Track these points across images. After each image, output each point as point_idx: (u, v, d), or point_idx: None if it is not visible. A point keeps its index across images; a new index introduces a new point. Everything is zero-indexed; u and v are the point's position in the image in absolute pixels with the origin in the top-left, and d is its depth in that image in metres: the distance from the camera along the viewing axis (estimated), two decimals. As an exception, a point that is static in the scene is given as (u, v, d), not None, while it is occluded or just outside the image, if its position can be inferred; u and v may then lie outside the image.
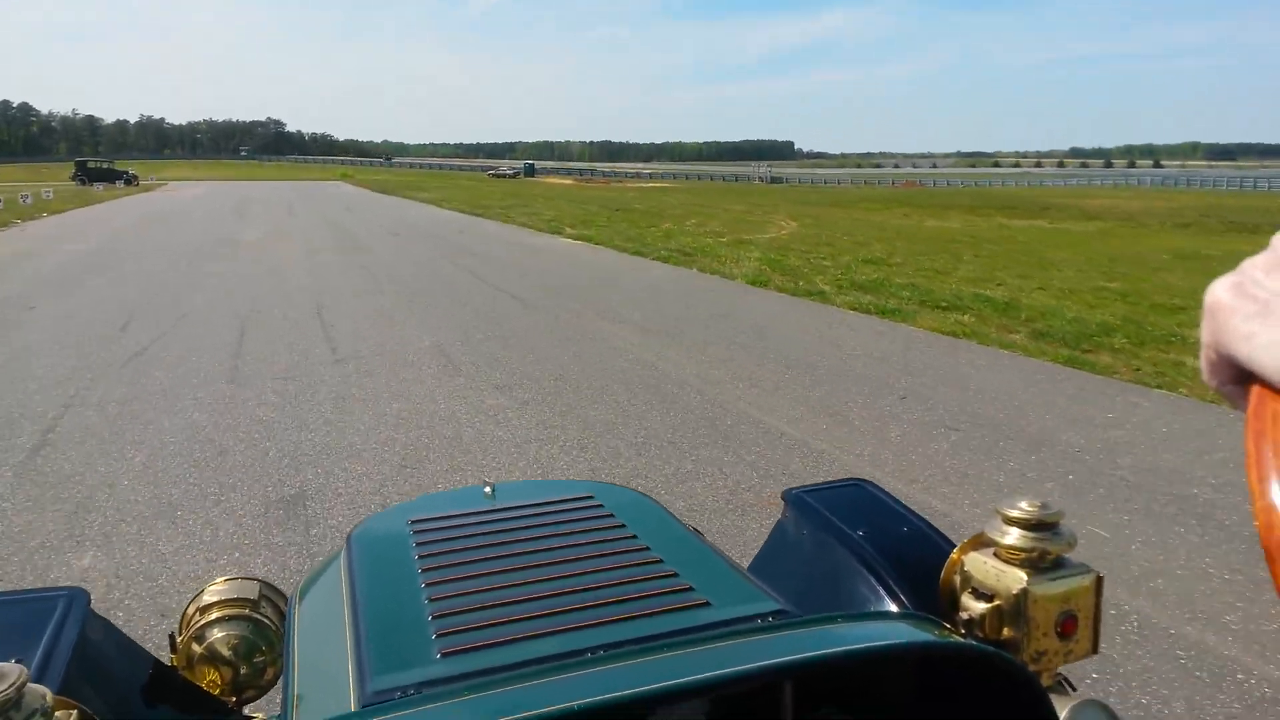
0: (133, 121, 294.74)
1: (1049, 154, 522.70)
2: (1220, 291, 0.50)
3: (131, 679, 1.29)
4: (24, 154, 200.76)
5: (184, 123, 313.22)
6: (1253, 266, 0.50)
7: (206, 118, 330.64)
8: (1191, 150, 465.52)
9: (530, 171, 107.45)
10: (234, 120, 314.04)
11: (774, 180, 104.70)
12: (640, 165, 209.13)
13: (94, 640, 1.19)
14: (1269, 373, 0.45)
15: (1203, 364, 0.52)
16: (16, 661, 0.72)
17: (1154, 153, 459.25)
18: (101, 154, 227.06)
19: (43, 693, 0.73)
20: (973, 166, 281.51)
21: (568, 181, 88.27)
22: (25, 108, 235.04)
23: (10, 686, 0.69)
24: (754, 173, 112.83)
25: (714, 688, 0.77)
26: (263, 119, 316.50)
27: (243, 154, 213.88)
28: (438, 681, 0.88)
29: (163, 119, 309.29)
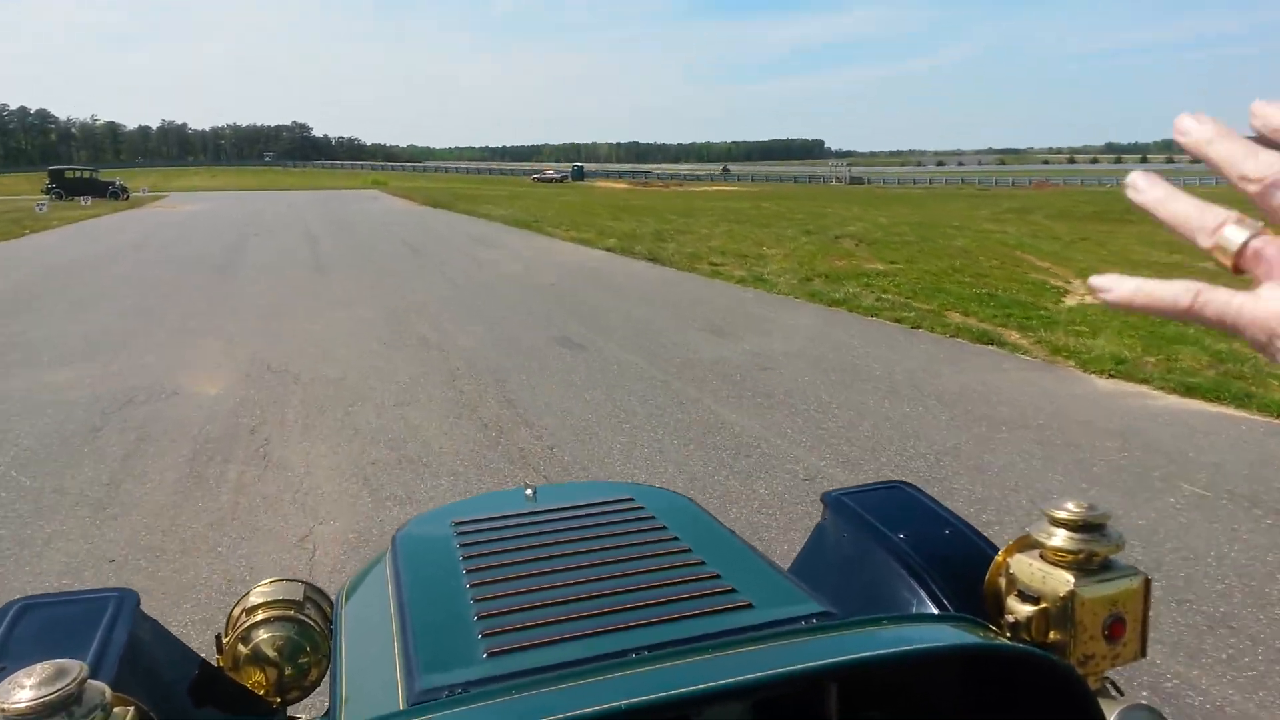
0: (155, 128, 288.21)
1: (1083, 150, 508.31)
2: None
3: (179, 678, 1.30)
4: (42, 162, 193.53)
5: (207, 128, 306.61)
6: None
7: (230, 123, 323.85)
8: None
9: (579, 175, 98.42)
10: (258, 125, 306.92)
11: (854, 181, 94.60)
12: (692, 166, 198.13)
13: (143, 639, 1.21)
14: None
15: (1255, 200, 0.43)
16: (79, 661, 0.75)
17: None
18: (123, 161, 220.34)
19: (102, 688, 0.75)
20: (1002, 164, 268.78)
21: (621, 185, 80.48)
22: (43, 114, 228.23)
23: (72, 682, 0.72)
24: (830, 173, 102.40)
25: (758, 689, 0.77)
26: (288, 123, 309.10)
27: (267, 160, 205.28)
28: (484, 681, 0.88)
29: (185, 124, 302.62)
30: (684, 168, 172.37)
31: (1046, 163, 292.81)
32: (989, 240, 19.18)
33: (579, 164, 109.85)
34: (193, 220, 29.54)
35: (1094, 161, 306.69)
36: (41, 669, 0.73)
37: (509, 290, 12.06)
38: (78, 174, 46.90)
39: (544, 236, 21.47)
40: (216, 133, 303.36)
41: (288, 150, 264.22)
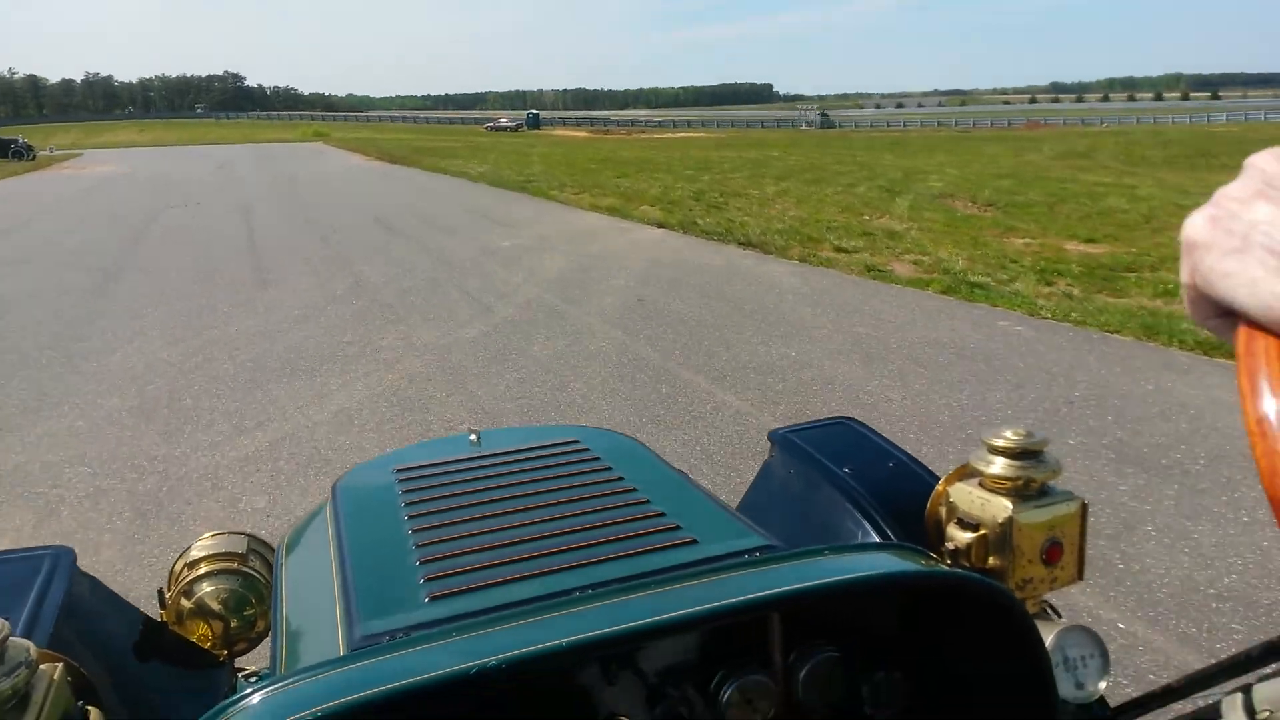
0: (79, 80, 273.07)
1: (1027, 89, 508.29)
2: (1196, 226, 0.47)
3: (121, 635, 1.29)
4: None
5: (134, 80, 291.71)
6: (1226, 197, 0.46)
7: (159, 74, 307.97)
8: (1175, 82, 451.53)
9: (534, 123, 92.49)
10: (189, 76, 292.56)
11: (825, 125, 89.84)
12: (651, 111, 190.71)
13: (82, 598, 1.19)
14: (1252, 311, 0.43)
15: (1184, 301, 0.49)
16: (1, 618, 0.73)
17: (1134, 85, 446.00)
18: (46, 116, 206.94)
19: (26, 645, 0.74)
20: (963, 105, 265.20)
21: (581, 133, 75.35)
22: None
23: None
24: (800, 116, 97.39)
25: (700, 622, 0.78)
26: (220, 73, 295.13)
27: (199, 112, 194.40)
28: (426, 625, 0.87)
29: (110, 76, 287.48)
30: (640, 113, 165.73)
31: (1008, 103, 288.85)
32: (1143, 197, 14.70)
33: (533, 111, 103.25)
34: (100, 188, 24.02)
35: (1032, 102, 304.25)
36: None
37: (606, 332, 6.91)
38: (-32, 131, 39.42)
39: (555, 204, 16.63)
40: (145, 85, 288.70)
41: (221, 102, 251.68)
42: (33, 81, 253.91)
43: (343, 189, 21.09)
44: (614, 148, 41.99)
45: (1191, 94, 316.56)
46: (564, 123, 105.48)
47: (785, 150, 35.78)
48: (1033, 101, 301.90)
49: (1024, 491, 0.90)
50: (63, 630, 1.05)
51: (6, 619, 0.73)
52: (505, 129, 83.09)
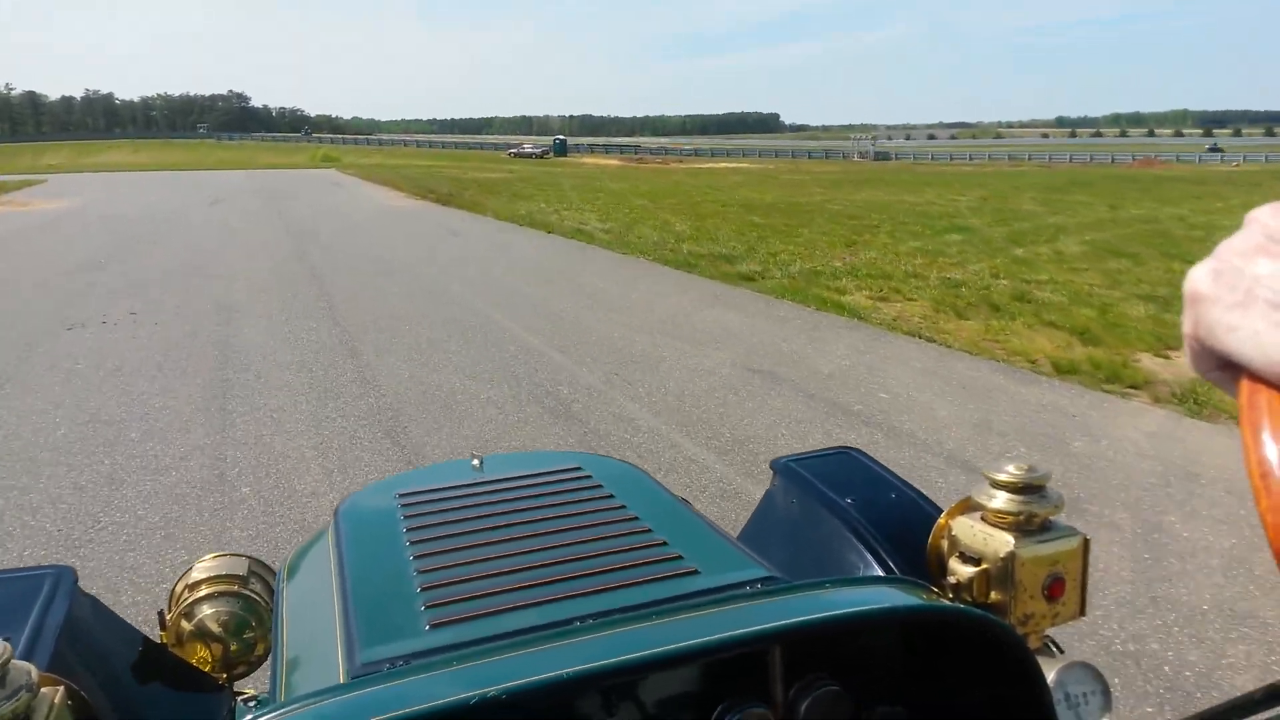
0: (78, 98, 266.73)
1: (1032, 124, 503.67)
2: (1199, 280, 0.47)
3: (121, 657, 1.27)
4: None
5: (136, 98, 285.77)
6: (1229, 250, 0.47)
7: (161, 92, 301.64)
8: (1181, 118, 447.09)
9: (562, 150, 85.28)
10: (192, 95, 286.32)
11: (879, 157, 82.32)
12: (682, 139, 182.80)
13: (82, 618, 1.17)
14: (1256, 365, 0.43)
15: (1186, 353, 0.49)
16: (3, 640, 0.72)
17: (1142, 121, 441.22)
18: (45, 135, 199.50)
19: (27, 669, 0.73)
20: (974, 138, 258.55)
21: (613, 162, 68.83)
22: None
23: None
24: (853, 148, 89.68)
25: (701, 654, 0.78)
26: (224, 93, 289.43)
27: (201, 132, 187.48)
28: (426, 653, 0.88)
29: (111, 94, 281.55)
30: (662, 140, 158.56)
31: (1047, 136, 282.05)
32: None
33: (560, 137, 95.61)
34: (10, 252, 15.97)
35: (1044, 137, 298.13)
36: None
37: None
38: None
39: (857, 327, 8.36)
40: (147, 103, 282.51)
41: (224, 122, 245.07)
42: (31, 98, 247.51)
43: (409, 264, 12.78)
44: (699, 183, 34.11)
45: (1188, 130, 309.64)
46: (591, 150, 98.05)
47: (901, 189, 27.83)
48: (1045, 136, 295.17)
49: (1026, 526, 0.89)
50: (63, 652, 1.03)
51: (7, 640, 0.72)
52: (530, 156, 76.81)
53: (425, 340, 7.64)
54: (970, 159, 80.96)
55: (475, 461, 1.49)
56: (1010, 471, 0.88)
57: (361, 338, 7.75)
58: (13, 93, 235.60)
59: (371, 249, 14.19)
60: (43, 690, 0.75)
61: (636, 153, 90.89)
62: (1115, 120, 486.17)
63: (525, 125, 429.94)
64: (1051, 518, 0.90)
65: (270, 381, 6.42)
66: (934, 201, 23.34)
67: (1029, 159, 77.40)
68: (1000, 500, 0.89)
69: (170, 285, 10.71)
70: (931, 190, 28.37)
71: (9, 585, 1.17)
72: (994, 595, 0.89)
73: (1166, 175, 42.63)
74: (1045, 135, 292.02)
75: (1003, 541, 0.88)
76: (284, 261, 12.73)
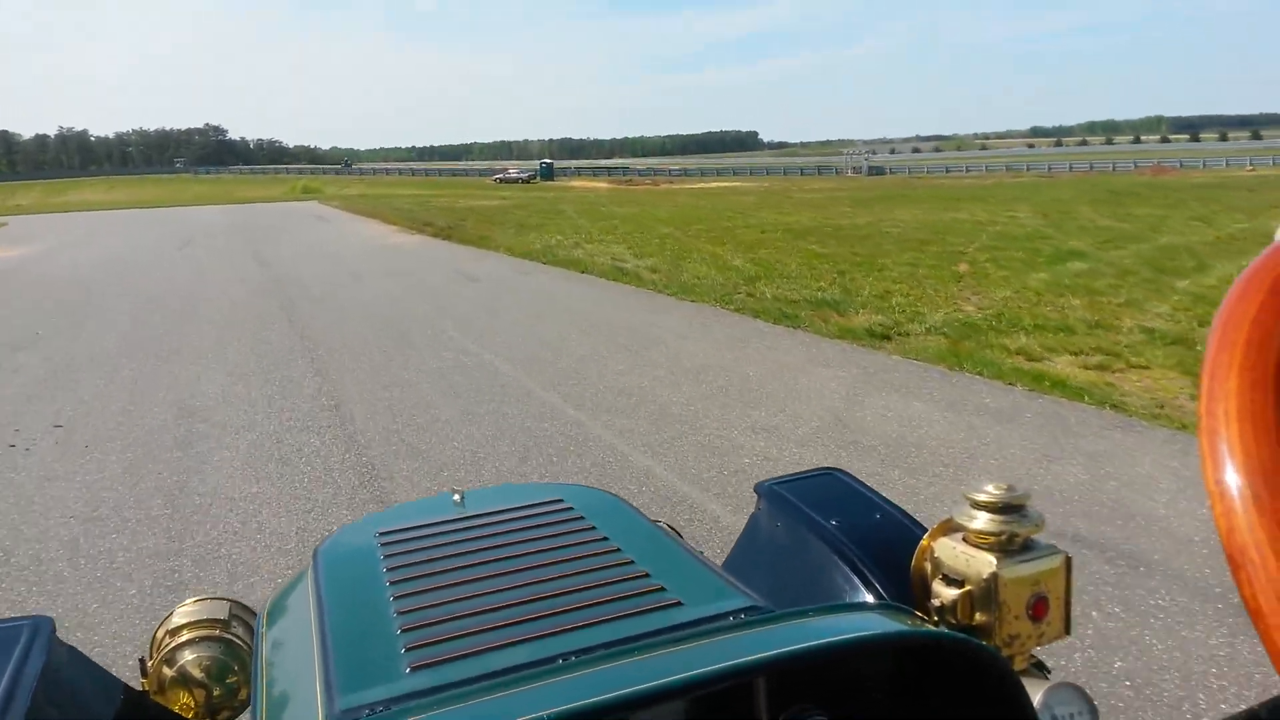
0: (52, 135, 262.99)
1: (1009, 134, 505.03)
2: None
3: (101, 705, 1.24)
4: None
5: (111, 135, 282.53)
6: None
7: (137, 127, 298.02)
8: (1156, 124, 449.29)
9: (549, 173, 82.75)
10: (168, 129, 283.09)
11: (874, 171, 80.00)
12: (666, 160, 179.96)
13: (60, 669, 1.15)
14: None
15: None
16: None
17: (1116, 128, 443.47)
18: (19, 174, 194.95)
19: None
20: (958, 149, 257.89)
21: (603, 185, 66.90)
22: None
23: None
24: (846, 162, 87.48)
25: (686, 689, 0.76)
26: (200, 126, 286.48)
27: (178, 166, 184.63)
28: (406, 697, 0.85)
29: (86, 131, 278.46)
30: (649, 161, 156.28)
31: (1032, 145, 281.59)
32: None
33: (547, 161, 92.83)
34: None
35: (1030, 147, 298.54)
36: None
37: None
38: None
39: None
40: (122, 139, 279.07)
41: (202, 156, 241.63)
42: (3, 137, 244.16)
43: (428, 326, 10.08)
44: (712, 205, 31.57)
45: (1172, 136, 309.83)
46: (579, 173, 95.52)
47: (937, 206, 25.34)
48: (1030, 146, 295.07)
49: (1008, 546, 0.87)
50: (40, 703, 1.01)
51: None
52: (516, 181, 73.22)
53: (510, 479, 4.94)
54: (967, 171, 78.91)
55: (456, 496, 1.45)
56: (990, 491, 0.86)
57: (399, 477, 5.04)
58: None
59: (375, 304, 11.47)
60: None
61: (625, 174, 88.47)
62: (1091, 128, 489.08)
63: (505, 150, 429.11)
64: (1033, 536, 0.88)
65: (260, 599, 3.71)
66: (995, 220, 20.81)
67: (1027, 169, 75.29)
68: (981, 521, 0.87)
69: (118, 371, 7.95)
70: (974, 206, 25.88)
71: None
72: (978, 617, 0.87)
73: (1195, 181, 40.38)
74: (1030, 145, 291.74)
75: (985, 562, 0.86)
76: (266, 326, 9.99)
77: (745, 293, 10.99)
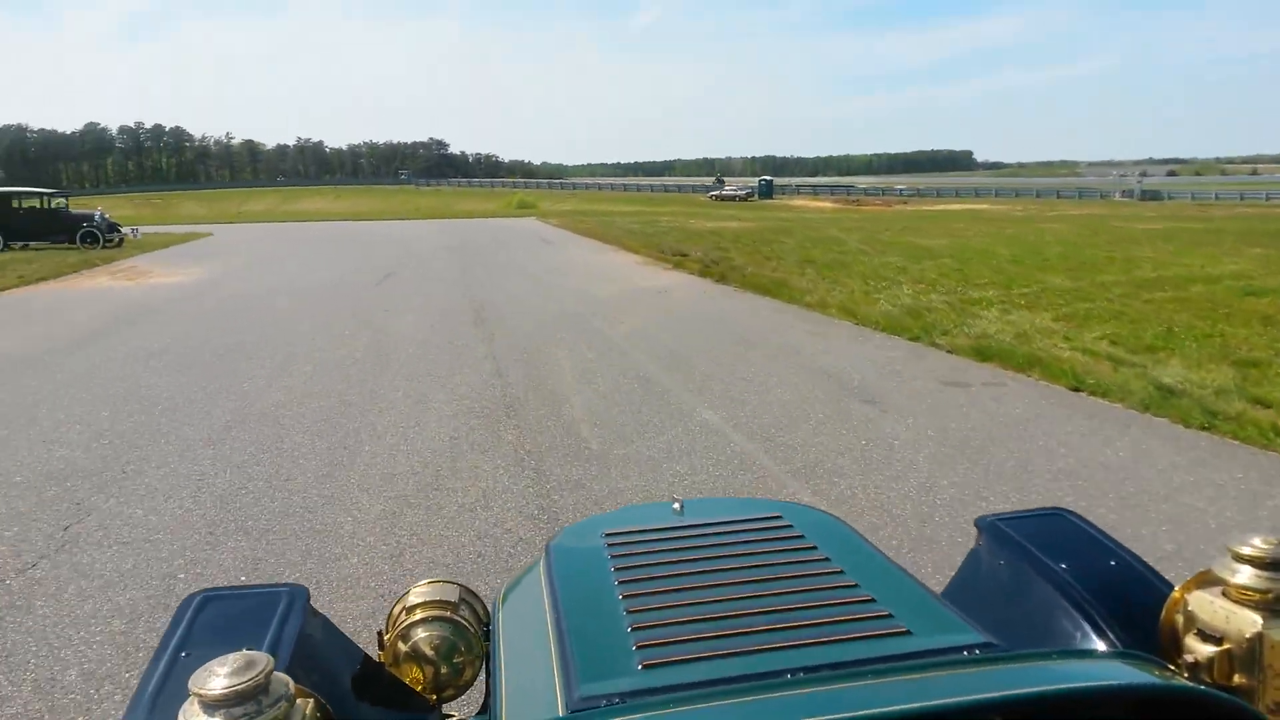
0: (291, 145, 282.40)
1: (1254, 159, 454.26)
2: None
3: (345, 671, 1.30)
4: (176, 181, 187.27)
5: (344, 146, 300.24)
6: None
7: (367, 140, 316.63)
8: None
9: (768, 191, 77.21)
10: (395, 142, 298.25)
11: (1147, 196, 69.07)
12: (892, 178, 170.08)
13: (313, 634, 1.21)
14: None
15: None
16: (264, 653, 0.76)
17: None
18: (261, 180, 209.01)
19: (286, 680, 0.77)
20: (1197, 174, 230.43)
21: (827, 205, 62.04)
22: (178, 132, 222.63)
23: (260, 673, 0.73)
24: (1114, 185, 76.84)
25: (918, 719, 0.74)
26: (425, 140, 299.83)
27: (403, 177, 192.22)
28: (640, 693, 0.87)
29: (321, 141, 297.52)
30: (870, 180, 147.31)
31: (1224, 173, 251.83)
32: None
33: (766, 178, 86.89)
34: (83, 370, 8.69)
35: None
36: (234, 659, 0.74)
37: None
38: (26, 204, 24.96)
39: None
40: (354, 150, 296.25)
41: (425, 168, 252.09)
42: (249, 146, 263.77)
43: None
44: (1019, 235, 24.50)
45: None
46: (799, 190, 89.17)
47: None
48: (1254, 173, 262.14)
49: (1275, 606, 0.80)
50: (296, 664, 1.05)
51: (252, 651, 0.75)
52: (733, 198, 68.82)
53: None
54: (1266, 199, 66.67)
55: (676, 505, 1.46)
56: (1257, 545, 0.80)
57: None
58: (233, 141, 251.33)
59: (700, 445, 5.79)
60: (297, 702, 0.77)
61: (849, 193, 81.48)
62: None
63: (708, 167, 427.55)
64: None
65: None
66: None
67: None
68: (1245, 575, 0.80)
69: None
70: None
71: (250, 600, 1.22)
72: (1238, 678, 0.81)
73: None
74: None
75: (1249, 621, 0.80)
76: (498, 489, 4.50)
77: None
